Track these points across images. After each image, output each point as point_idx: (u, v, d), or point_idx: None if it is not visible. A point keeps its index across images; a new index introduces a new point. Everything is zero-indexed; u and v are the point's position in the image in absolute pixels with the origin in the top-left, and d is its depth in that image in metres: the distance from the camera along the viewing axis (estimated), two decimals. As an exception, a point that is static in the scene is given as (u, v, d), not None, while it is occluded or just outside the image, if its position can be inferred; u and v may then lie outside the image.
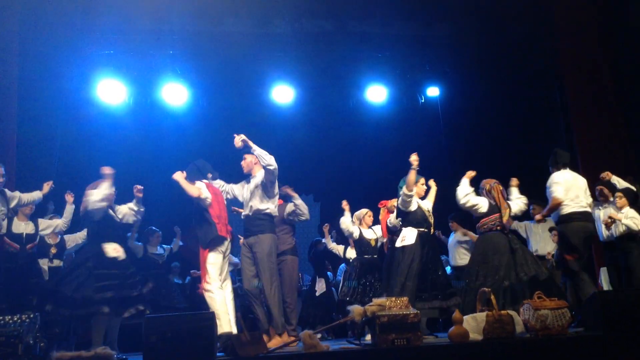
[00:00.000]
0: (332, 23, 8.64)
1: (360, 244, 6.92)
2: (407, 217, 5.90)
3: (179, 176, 5.37)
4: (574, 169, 7.18)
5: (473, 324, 4.38)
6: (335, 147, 10.04)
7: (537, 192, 7.36)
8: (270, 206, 5.49)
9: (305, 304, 8.48)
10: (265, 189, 5.45)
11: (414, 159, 5.75)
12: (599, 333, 4.14)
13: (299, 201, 6.02)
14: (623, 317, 4.11)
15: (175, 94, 8.97)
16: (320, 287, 8.28)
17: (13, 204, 5.74)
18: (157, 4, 7.75)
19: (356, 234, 6.91)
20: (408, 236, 5.77)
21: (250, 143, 5.39)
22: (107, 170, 5.40)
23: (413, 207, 5.88)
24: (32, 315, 3.96)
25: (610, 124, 8.06)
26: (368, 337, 4.86)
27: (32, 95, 7.53)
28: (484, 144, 9.36)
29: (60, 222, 6.43)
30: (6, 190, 5.62)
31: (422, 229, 5.86)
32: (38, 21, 7.60)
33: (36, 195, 6.03)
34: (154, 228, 7.77)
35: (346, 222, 6.92)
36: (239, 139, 5.43)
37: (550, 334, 4.20)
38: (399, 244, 5.80)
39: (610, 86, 8.15)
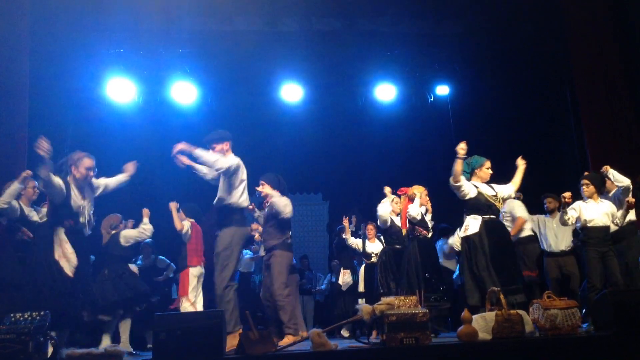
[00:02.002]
0: (341, 22, 8.63)
1: (391, 233, 6.60)
2: (467, 205, 5.61)
3: (173, 206, 6.60)
4: (585, 169, 7.16)
5: (482, 323, 4.36)
6: (344, 146, 10.04)
7: (543, 191, 7.33)
8: (231, 199, 5.28)
9: (333, 299, 8.27)
10: (225, 182, 5.31)
11: (460, 147, 5.46)
12: (609, 333, 4.12)
13: (274, 199, 5.65)
14: (634, 316, 4.08)
15: (184, 93, 9.00)
16: (345, 279, 8.00)
17: (98, 192, 5.31)
18: (166, 3, 7.77)
19: (387, 223, 6.58)
20: (471, 225, 5.51)
21: (192, 149, 5.21)
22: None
23: (471, 194, 5.58)
24: (42, 313, 3.98)
25: (621, 124, 7.99)
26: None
27: (43, 93, 7.56)
28: (494, 143, 9.31)
29: None
30: (93, 178, 5.24)
31: (487, 216, 5.55)
32: (49, 20, 7.64)
33: (123, 178, 5.47)
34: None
35: (386, 210, 6.54)
36: (177, 150, 5.22)
37: (559, 333, 4.19)
38: (462, 234, 5.59)
39: (622, 85, 8.07)
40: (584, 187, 6.27)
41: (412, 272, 5.97)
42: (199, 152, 5.21)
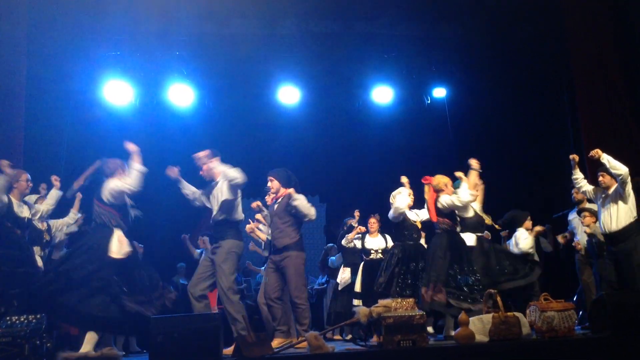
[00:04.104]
0: (338, 24, 8.62)
1: (403, 227, 6.18)
2: (464, 223, 6.05)
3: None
4: (582, 170, 7.13)
5: (479, 325, 4.37)
6: (341, 148, 10.03)
7: (539, 191, 7.34)
8: (235, 215, 5.39)
9: (331, 299, 7.86)
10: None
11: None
12: (605, 335, 4.12)
13: (298, 202, 5.53)
14: (631, 318, 4.09)
15: (181, 95, 8.97)
16: (345, 278, 7.54)
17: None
18: (163, 5, 7.76)
19: (402, 217, 6.14)
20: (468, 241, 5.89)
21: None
22: None
23: (469, 214, 6.05)
24: (38, 316, 3.97)
25: (620, 124, 7.98)
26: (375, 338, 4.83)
27: (40, 95, 7.55)
28: (492, 146, 9.33)
29: (42, 208, 5.82)
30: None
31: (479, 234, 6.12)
32: (46, 22, 7.63)
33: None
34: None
35: (405, 202, 6.09)
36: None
37: (556, 335, 4.19)
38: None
39: (621, 87, 8.07)
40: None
41: (440, 267, 5.54)
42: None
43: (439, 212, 5.80)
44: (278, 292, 5.49)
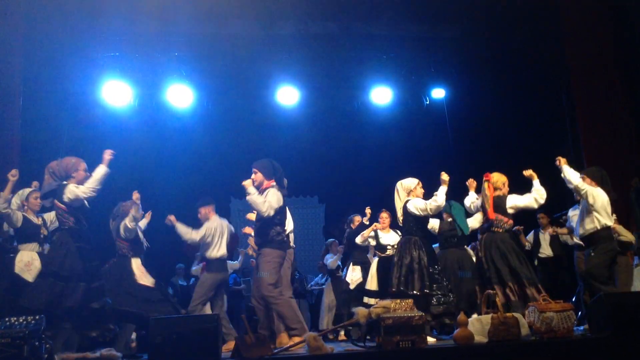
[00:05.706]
0: (337, 24, 8.63)
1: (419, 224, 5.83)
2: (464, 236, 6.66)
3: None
4: (580, 169, 7.13)
5: (478, 326, 4.37)
6: (340, 149, 10.05)
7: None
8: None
9: (340, 299, 7.55)
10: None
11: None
12: (605, 335, 4.12)
13: (250, 197, 5.24)
14: (630, 318, 4.09)
15: (180, 96, 8.95)
16: (354, 277, 7.23)
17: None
18: (162, 5, 7.75)
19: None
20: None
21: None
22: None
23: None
24: (37, 317, 3.96)
25: (618, 127, 8.00)
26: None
27: (38, 97, 7.54)
28: (490, 146, 9.34)
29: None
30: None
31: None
32: (44, 23, 7.62)
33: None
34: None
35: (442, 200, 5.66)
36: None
37: (555, 336, 4.19)
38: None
39: (619, 89, 8.08)
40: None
41: (520, 264, 5.51)
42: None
43: (504, 212, 5.75)
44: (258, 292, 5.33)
